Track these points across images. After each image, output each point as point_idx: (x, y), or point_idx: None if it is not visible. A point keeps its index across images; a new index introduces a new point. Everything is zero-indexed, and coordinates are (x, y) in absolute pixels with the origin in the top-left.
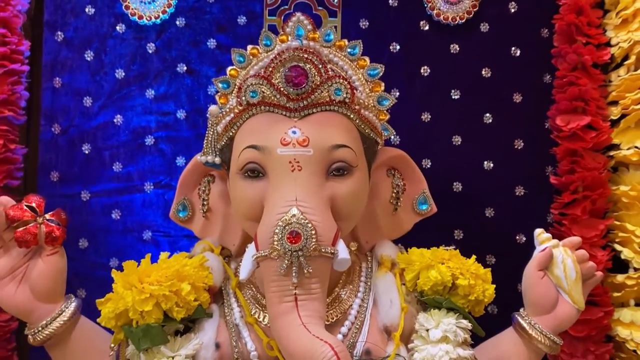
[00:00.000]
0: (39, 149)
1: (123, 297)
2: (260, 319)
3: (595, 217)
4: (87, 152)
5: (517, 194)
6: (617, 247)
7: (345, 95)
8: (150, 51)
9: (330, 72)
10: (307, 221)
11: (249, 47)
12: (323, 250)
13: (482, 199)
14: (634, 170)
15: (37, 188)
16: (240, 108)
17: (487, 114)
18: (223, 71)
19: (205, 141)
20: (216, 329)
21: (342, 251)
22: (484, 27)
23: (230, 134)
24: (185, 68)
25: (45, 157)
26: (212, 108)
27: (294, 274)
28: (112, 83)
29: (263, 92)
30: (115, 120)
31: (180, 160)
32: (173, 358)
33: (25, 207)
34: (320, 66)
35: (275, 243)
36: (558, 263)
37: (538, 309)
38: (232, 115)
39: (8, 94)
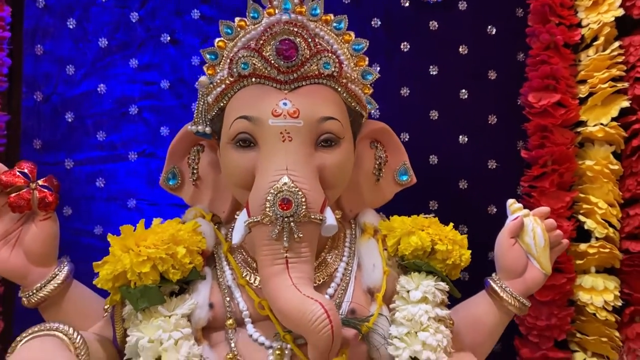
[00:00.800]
0: (21, 117)
1: (121, 259)
2: (252, 281)
3: (562, 189)
4: (70, 120)
5: (489, 167)
6: (581, 218)
7: (333, 69)
8: (133, 20)
9: (318, 46)
10: (297, 189)
11: (237, 19)
12: (312, 216)
13: (457, 171)
14: (599, 146)
15: (20, 156)
16: (232, 79)
17: (463, 90)
18: (207, 42)
19: (196, 111)
20: (209, 291)
21: (330, 218)
22: (462, 5)
23: (221, 104)
24: (169, 38)
25: (27, 124)
26: (202, 79)
27: (285, 239)
28: (95, 51)
29: (254, 65)
30: (98, 89)
31: (164, 130)
32: (170, 317)
33: (18, 173)
34: (310, 40)
35: (267, 209)
36: (528, 231)
37: (509, 273)
38: (222, 86)
39: None
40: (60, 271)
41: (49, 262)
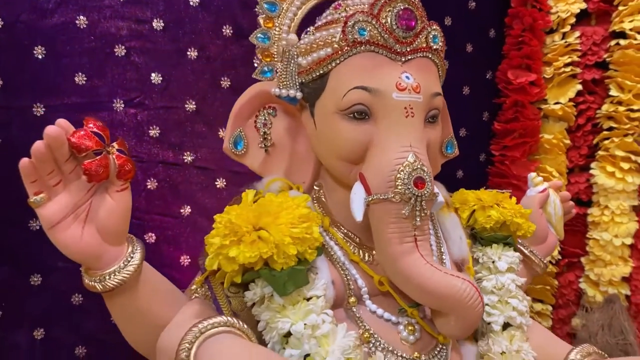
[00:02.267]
0: None
1: (264, 239)
2: (362, 257)
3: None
4: (40, 57)
5: (460, 135)
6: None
7: (440, 44)
8: None
9: (426, 19)
10: (425, 167)
11: None
12: (434, 194)
13: None
14: (554, 122)
15: None
16: (343, 44)
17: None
18: None
19: (282, 73)
20: (328, 269)
21: (440, 195)
22: None
23: (324, 70)
24: None
25: None
26: (292, 37)
27: (417, 218)
28: None
29: (371, 32)
30: (77, 22)
31: (156, 77)
32: (309, 299)
33: (91, 134)
34: (421, 11)
35: (400, 187)
36: (550, 202)
37: (537, 239)
38: (329, 50)
39: None
40: (135, 250)
41: (123, 240)
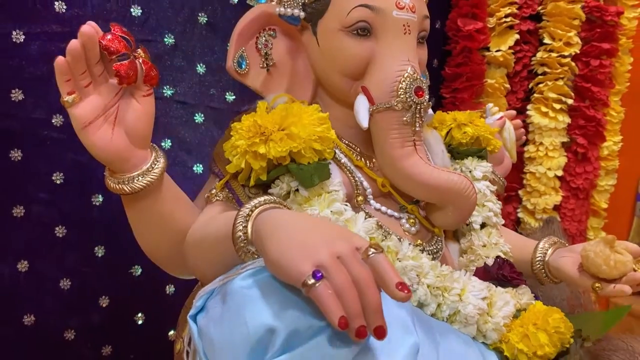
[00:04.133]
0: None
1: (292, 136)
2: (365, 164)
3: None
4: None
5: None
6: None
7: None
8: None
9: None
10: (423, 79)
11: None
12: (430, 104)
13: None
14: (495, 68)
15: None
16: None
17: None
18: None
19: None
20: (339, 172)
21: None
22: None
23: None
24: None
25: None
26: None
27: (416, 124)
28: None
29: None
30: None
31: (135, 10)
32: (330, 193)
33: (121, 38)
34: None
35: (402, 96)
36: (505, 128)
37: (494, 160)
38: None
39: None
40: (159, 155)
41: (148, 144)
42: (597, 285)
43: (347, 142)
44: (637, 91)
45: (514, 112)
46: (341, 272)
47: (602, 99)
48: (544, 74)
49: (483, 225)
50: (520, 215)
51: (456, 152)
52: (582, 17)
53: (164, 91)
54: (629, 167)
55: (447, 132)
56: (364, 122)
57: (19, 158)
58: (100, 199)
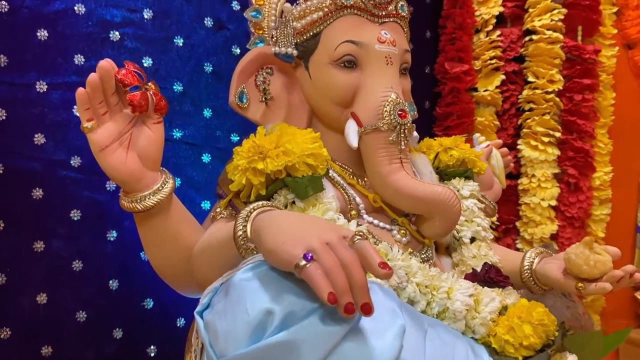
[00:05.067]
0: None
1: (287, 153)
2: (357, 182)
3: None
4: (43, 39)
5: None
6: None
7: (406, 12)
8: None
9: None
10: (406, 103)
11: None
12: (413, 126)
13: None
14: (484, 107)
15: None
16: (332, 8)
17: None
18: None
19: (279, 35)
20: (333, 188)
21: (415, 131)
22: None
23: (316, 30)
24: None
25: None
26: (287, 5)
27: (402, 143)
28: None
29: None
30: (76, 9)
31: (147, 60)
32: (324, 203)
33: (134, 72)
34: None
35: (387, 118)
36: (493, 156)
37: (483, 186)
38: (320, 13)
39: None
40: (168, 177)
41: (158, 167)
42: (580, 285)
43: (340, 164)
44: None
45: (500, 141)
46: (329, 255)
47: (588, 131)
48: (531, 110)
49: (473, 240)
50: (519, 245)
51: (444, 174)
52: (562, 56)
53: (174, 134)
54: (626, 199)
55: (435, 156)
56: (354, 143)
57: (40, 196)
58: (115, 234)
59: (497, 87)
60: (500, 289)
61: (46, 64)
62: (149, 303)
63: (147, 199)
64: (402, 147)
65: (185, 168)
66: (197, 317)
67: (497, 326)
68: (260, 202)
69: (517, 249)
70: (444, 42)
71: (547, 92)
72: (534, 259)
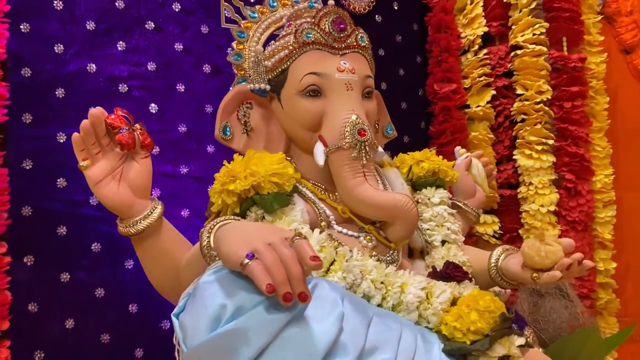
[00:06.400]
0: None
1: (253, 174)
2: (327, 197)
3: None
4: (61, 96)
5: (404, 141)
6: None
7: (366, 42)
8: (119, 7)
9: (353, 26)
10: (365, 123)
11: (257, 7)
12: (375, 143)
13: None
14: (478, 122)
15: (10, 128)
16: (296, 45)
17: (383, 83)
18: (187, 31)
19: (254, 74)
20: (303, 203)
21: (380, 147)
22: (378, 18)
23: (284, 66)
24: (153, 25)
25: (15, 99)
26: (259, 48)
27: (363, 158)
28: (83, 34)
29: (315, 35)
30: (88, 68)
31: (153, 107)
32: (290, 216)
33: (122, 116)
34: (349, 20)
35: (348, 137)
36: (474, 166)
37: (466, 194)
38: (286, 51)
39: None
40: (157, 204)
41: (148, 195)
42: (534, 275)
43: (313, 182)
44: None
45: (481, 152)
46: (270, 253)
47: (581, 136)
48: (523, 121)
49: (444, 243)
50: None
51: (417, 185)
52: (548, 67)
53: (181, 169)
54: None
55: (409, 169)
56: (320, 161)
57: (64, 233)
58: (132, 263)
59: (489, 102)
60: (456, 283)
61: (64, 117)
62: (166, 324)
63: (138, 223)
64: (364, 162)
65: (192, 200)
66: (173, 318)
67: (448, 315)
68: (224, 217)
69: None
70: (431, 65)
71: (537, 103)
72: (499, 256)
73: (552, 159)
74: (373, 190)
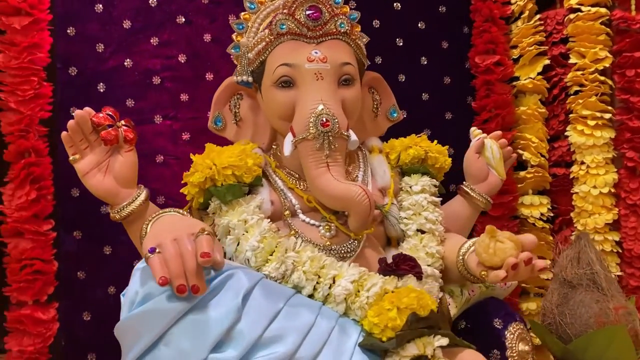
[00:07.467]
0: (58, 88)
1: (209, 166)
2: (297, 186)
3: (504, 130)
4: (102, 91)
5: (446, 117)
6: (520, 151)
7: (347, 28)
8: (152, 5)
9: (335, 11)
10: (331, 113)
11: None
12: (342, 133)
13: (421, 122)
14: (529, 95)
15: (59, 121)
16: (271, 37)
17: (423, 57)
18: (215, 22)
19: (238, 66)
20: (269, 193)
21: (353, 135)
22: None
23: (262, 58)
24: (183, 19)
25: (63, 96)
26: (243, 40)
27: (326, 148)
28: (120, 32)
29: (289, 25)
30: (125, 64)
31: (184, 97)
32: (242, 206)
33: (106, 115)
34: (328, 6)
35: (311, 128)
36: (487, 148)
37: (475, 179)
38: (263, 43)
39: (38, 40)
40: (141, 191)
41: (133, 185)
42: (482, 272)
43: (289, 170)
44: None
45: (499, 133)
46: (171, 248)
47: None
48: (577, 93)
49: (421, 232)
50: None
51: (405, 172)
52: (607, 31)
53: None
54: None
55: (398, 156)
56: (286, 152)
57: (107, 211)
58: None
59: (542, 74)
60: (396, 277)
61: None
62: None
63: (124, 209)
64: (327, 153)
65: None
66: (122, 297)
67: (370, 310)
68: (167, 209)
69: None
70: (474, 35)
71: (593, 72)
72: (468, 249)
73: (609, 134)
74: (333, 180)
